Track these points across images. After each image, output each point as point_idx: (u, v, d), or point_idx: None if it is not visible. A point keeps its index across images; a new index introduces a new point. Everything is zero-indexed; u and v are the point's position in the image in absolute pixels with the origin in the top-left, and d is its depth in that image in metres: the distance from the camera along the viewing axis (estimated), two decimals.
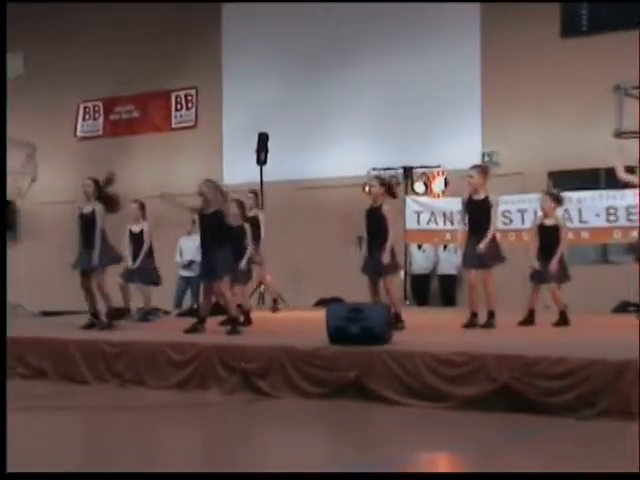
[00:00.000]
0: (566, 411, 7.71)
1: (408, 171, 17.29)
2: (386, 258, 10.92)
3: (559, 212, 11.84)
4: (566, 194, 13.68)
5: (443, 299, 17.24)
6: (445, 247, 16.90)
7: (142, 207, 13.39)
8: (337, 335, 9.14)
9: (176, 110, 20.72)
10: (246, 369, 9.25)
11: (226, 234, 11.06)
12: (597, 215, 13.88)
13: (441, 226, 15.34)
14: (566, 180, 15.87)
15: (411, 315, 11.31)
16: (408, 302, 16.73)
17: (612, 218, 13.80)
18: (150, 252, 13.25)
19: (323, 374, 8.90)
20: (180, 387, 9.58)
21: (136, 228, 13.23)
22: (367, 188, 12.59)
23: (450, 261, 17.10)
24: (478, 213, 10.92)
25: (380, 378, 8.62)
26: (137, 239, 13.19)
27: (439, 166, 16.97)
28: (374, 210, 11.10)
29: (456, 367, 8.35)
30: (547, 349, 8.49)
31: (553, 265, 11.33)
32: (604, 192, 14.20)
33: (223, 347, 9.62)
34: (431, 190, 16.97)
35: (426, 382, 8.42)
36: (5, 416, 5.58)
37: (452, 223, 14.94)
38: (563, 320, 11.42)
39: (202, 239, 11.08)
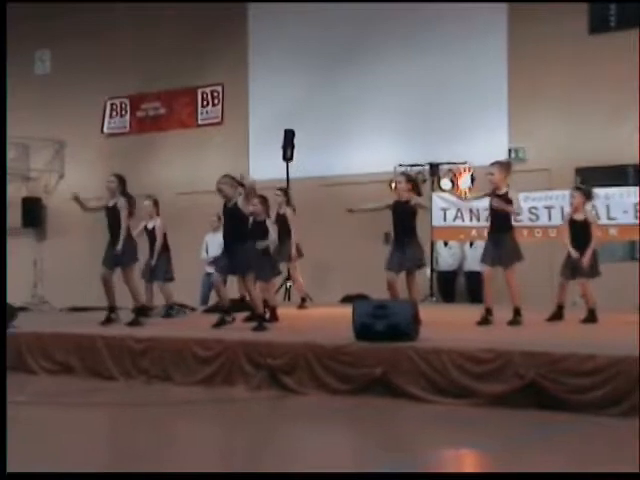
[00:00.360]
0: (593, 409, 7.67)
1: (434, 168, 17.23)
2: (417, 253, 10.90)
3: (588, 207, 11.75)
4: (594, 190, 13.66)
5: (469, 296, 17.16)
6: (472, 244, 16.83)
7: (156, 204, 13.44)
8: (363, 332, 9.14)
9: (202, 107, 20.75)
10: (272, 365, 9.27)
11: (246, 228, 11.07)
12: (625, 212, 13.78)
13: (467, 223, 15.29)
14: (594, 176, 15.76)
15: (437, 312, 11.31)
16: (435, 299, 16.69)
17: None
18: (165, 248, 13.30)
19: (349, 371, 8.90)
20: (206, 383, 9.60)
21: (150, 225, 13.28)
22: (393, 184, 12.55)
23: (476, 258, 16.99)
24: (498, 210, 10.88)
25: (406, 375, 8.61)
26: (151, 236, 13.24)
27: (465, 162, 16.90)
28: (401, 204, 11.06)
29: (482, 364, 8.32)
30: (574, 346, 8.44)
31: (585, 260, 11.29)
32: (632, 189, 14.09)
33: (249, 343, 9.64)
34: (458, 187, 16.91)
35: (452, 379, 8.40)
36: (5, 416, 5.60)
37: (478, 220, 14.89)
38: (591, 317, 11.35)
39: (224, 234, 11.12)
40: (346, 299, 15.45)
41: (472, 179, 16.79)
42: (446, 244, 17.10)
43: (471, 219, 14.78)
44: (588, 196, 11.67)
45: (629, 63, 15.63)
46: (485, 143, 16.98)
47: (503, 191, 10.91)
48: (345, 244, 17.74)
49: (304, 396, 8.97)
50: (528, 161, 16.93)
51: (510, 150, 17.20)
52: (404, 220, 10.99)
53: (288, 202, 14.29)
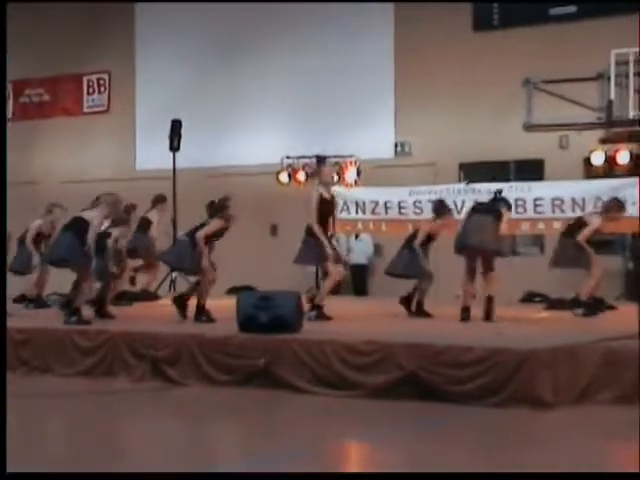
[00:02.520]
0: (471, 399, 7.82)
1: (321, 160, 17.30)
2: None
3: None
4: (476, 185, 13.89)
5: (354, 289, 17.29)
6: (357, 236, 16.94)
7: None
8: (247, 323, 9.14)
9: (88, 94, 20.42)
10: (155, 356, 9.19)
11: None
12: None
13: (353, 215, 15.37)
14: (477, 172, 16.05)
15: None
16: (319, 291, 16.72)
17: (520, 210, 13.92)
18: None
19: (232, 362, 8.89)
20: (87, 374, 9.46)
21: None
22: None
23: (361, 251, 17.18)
24: None
25: (289, 366, 8.64)
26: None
27: (352, 156, 17.01)
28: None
29: (365, 356, 8.40)
30: (455, 338, 8.60)
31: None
32: (513, 184, 14.36)
33: (132, 334, 9.53)
34: (344, 179, 17.00)
35: (335, 371, 8.46)
36: (5, 416, 5.47)
37: (364, 212, 14.98)
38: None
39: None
40: (232, 291, 15.40)
41: (358, 172, 16.92)
42: (357, 236, 16.99)
43: (357, 212, 14.84)
44: None
45: (511, 61, 15.95)
46: (372, 137, 17.14)
47: None
48: (232, 236, 17.59)
49: (187, 387, 8.92)
50: (414, 155, 17.15)
51: (396, 144, 17.40)
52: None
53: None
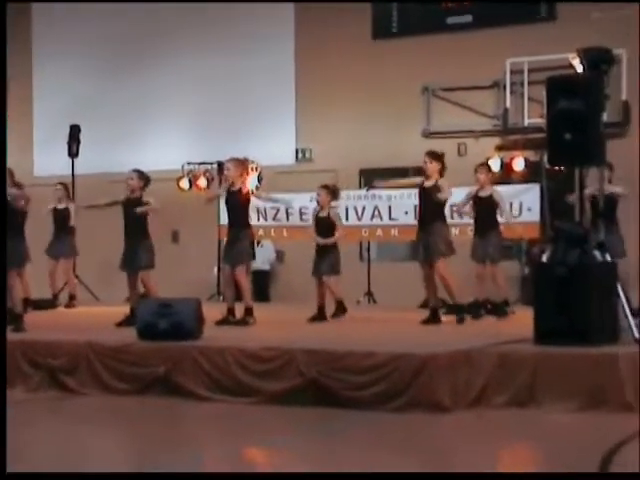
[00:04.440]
0: (371, 405, 7.88)
1: (221, 166, 17.27)
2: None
3: (333, 205, 12.00)
4: (376, 192, 14.04)
5: (256, 294, 17.24)
6: (259, 243, 16.92)
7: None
8: (146, 331, 9.07)
9: None
10: (52, 365, 9.05)
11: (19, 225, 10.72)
12: (406, 213, 14.19)
13: (255, 222, 15.36)
14: (377, 178, 16.17)
15: (222, 311, 11.30)
16: (222, 298, 16.68)
17: None
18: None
19: (131, 370, 8.81)
20: None
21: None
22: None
23: (263, 256, 17.16)
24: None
25: (190, 374, 8.60)
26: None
27: (253, 162, 16.98)
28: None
29: (265, 362, 8.41)
30: (355, 344, 8.67)
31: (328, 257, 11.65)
32: (413, 190, 14.53)
33: (27, 342, 9.38)
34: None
35: (236, 377, 8.45)
36: (5, 416, 5.31)
37: (266, 219, 15.01)
38: (341, 308, 11.76)
39: None
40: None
41: (259, 178, 16.90)
42: (259, 243, 16.99)
43: (258, 218, 14.85)
44: (335, 195, 11.94)
45: (411, 68, 16.15)
46: (273, 143, 17.16)
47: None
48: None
49: (85, 397, 8.81)
50: (315, 161, 17.23)
51: (297, 150, 17.46)
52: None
53: (69, 196, 14.22)
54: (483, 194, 11.93)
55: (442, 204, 10.96)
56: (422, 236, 10.92)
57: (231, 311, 10.99)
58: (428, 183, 10.91)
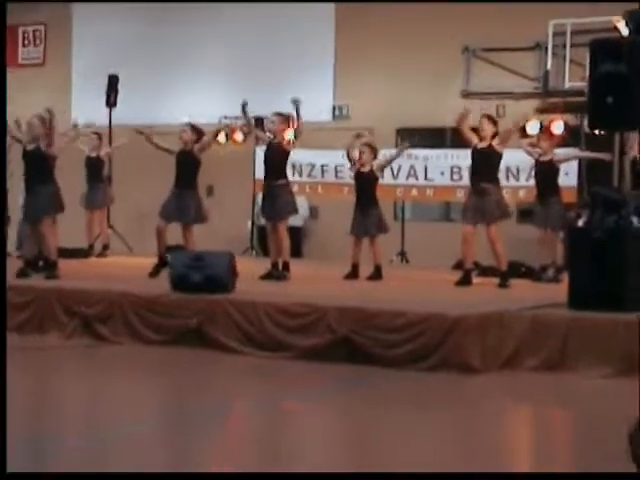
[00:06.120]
0: (403, 363, 7.90)
1: (259, 121, 17.22)
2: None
3: (375, 163, 11.78)
4: (413, 151, 13.97)
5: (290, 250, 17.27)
6: None
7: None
8: (179, 283, 9.11)
9: (23, 46, 20.07)
10: (86, 314, 9.13)
11: (49, 171, 10.64)
12: (442, 173, 14.14)
13: (289, 178, 15.37)
14: (413, 138, 16.11)
15: (257, 266, 11.35)
16: (255, 252, 16.74)
17: (456, 177, 14.08)
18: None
19: (164, 321, 8.87)
20: (17, 330, 9.36)
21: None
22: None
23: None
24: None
25: (221, 327, 8.65)
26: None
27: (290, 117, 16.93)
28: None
29: (297, 318, 8.44)
30: (387, 303, 8.66)
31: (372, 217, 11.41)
32: (449, 151, 14.47)
33: (63, 291, 9.46)
34: None
35: (267, 332, 8.49)
36: (5, 415, 5.40)
37: (300, 175, 15.00)
38: (377, 274, 11.39)
39: (25, 179, 10.69)
40: (166, 250, 15.31)
41: (296, 134, 16.84)
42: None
43: (293, 174, 14.84)
44: (374, 153, 11.78)
45: (452, 28, 15.97)
46: (310, 99, 17.03)
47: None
48: (166, 195, 17.55)
49: (118, 345, 8.89)
50: (352, 119, 17.14)
51: (334, 107, 17.38)
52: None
53: (102, 146, 14.41)
54: (544, 159, 11.85)
55: (496, 166, 10.90)
56: (474, 199, 10.82)
57: (275, 266, 10.99)
58: (482, 145, 10.84)
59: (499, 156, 10.84)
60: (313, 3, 17.36)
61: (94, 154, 14.51)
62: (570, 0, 14.22)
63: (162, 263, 10.71)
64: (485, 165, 10.76)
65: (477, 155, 10.85)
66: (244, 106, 11.66)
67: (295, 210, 11.19)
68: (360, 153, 11.66)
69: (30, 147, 10.65)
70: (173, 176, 11.30)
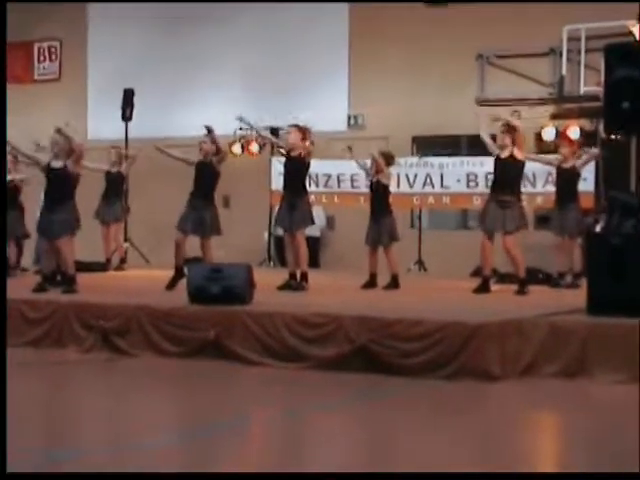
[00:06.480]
0: (421, 372, 7.88)
1: (274, 131, 17.24)
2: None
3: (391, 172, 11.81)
4: (428, 159, 13.97)
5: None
6: None
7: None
8: (197, 295, 9.12)
9: (39, 62, 20.17)
10: (104, 327, 9.15)
11: (71, 189, 10.64)
12: (458, 181, 14.15)
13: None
14: (429, 145, 16.12)
15: (274, 276, 11.35)
16: (272, 263, 16.75)
17: (472, 184, 14.10)
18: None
19: (182, 333, 8.87)
20: (35, 344, 9.39)
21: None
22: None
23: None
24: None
25: (239, 338, 8.64)
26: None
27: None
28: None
29: (315, 328, 8.43)
30: (405, 311, 8.65)
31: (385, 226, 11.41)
32: (465, 158, 14.49)
33: (81, 305, 9.48)
34: None
35: (285, 342, 8.48)
36: (5, 415, 5.43)
37: (317, 185, 15.03)
38: (394, 283, 11.39)
39: (46, 194, 10.70)
40: (184, 262, 15.35)
41: (311, 144, 16.85)
42: None
43: (310, 184, 14.85)
44: (390, 162, 11.77)
45: (466, 35, 15.97)
46: (325, 109, 17.09)
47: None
48: (183, 207, 17.59)
49: (136, 358, 8.90)
50: (367, 128, 17.15)
51: (349, 117, 17.40)
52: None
53: (121, 161, 14.39)
54: (565, 165, 11.84)
55: (519, 177, 10.87)
56: (493, 206, 10.78)
57: (293, 276, 10.99)
58: (504, 154, 10.80)
59: (522, 165, 10.83)
60: (326, 13, 17.38)
61: (115, 169, 14.53)
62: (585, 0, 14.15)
63: (179, 275, 10.73)
64: (507, 177, 10.77)
65: (499, 166, 10.84)
66: (240, 120, 11.68)
67: (312, 221, 11.19)
68: (374, 162, 11.66)
69: (56, 164, 10.58)
70: (189, 188, 11.31)
